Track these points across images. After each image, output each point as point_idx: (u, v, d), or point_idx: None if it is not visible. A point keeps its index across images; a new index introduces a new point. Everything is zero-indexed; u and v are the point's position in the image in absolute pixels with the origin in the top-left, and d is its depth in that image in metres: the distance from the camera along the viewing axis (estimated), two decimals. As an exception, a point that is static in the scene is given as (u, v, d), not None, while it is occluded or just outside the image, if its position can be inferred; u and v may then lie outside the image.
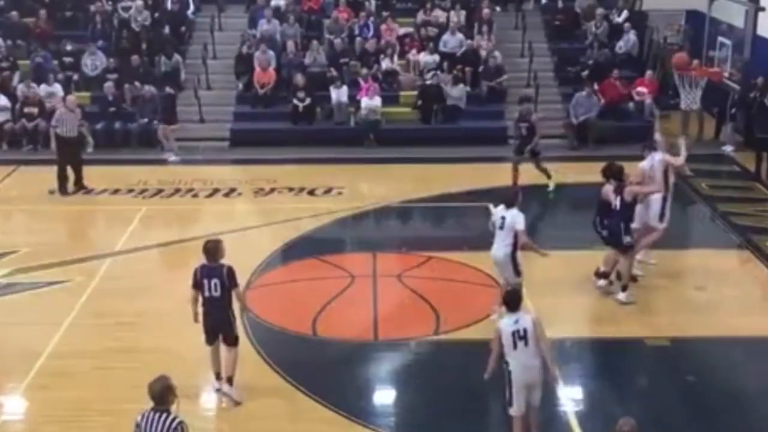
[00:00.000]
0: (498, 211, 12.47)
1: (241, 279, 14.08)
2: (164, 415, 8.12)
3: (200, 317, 10.90)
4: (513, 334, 9.51)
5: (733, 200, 17.81)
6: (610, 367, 12.33)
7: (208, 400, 11.39)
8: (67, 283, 14.36)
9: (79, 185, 18.70)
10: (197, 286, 10.72)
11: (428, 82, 22.22)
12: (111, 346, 12.30)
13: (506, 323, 9.64)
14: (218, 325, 10.82)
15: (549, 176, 18.13)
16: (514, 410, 9.71)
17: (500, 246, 12.36)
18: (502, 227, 12.29)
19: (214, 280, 10.59)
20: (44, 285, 14.32)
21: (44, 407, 11.03)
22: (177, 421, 8.09)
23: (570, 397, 11.21)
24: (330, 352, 12.31)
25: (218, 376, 11.13)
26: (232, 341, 10.94)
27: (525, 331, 9.52)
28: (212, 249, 10.76)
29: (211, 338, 10.95)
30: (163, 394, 8.15)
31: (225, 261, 10.80)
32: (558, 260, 13.55)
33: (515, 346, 9.52)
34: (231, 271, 10.67)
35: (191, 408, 11.06)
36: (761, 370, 11.77)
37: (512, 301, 9.74)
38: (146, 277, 14.71)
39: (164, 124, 20.89)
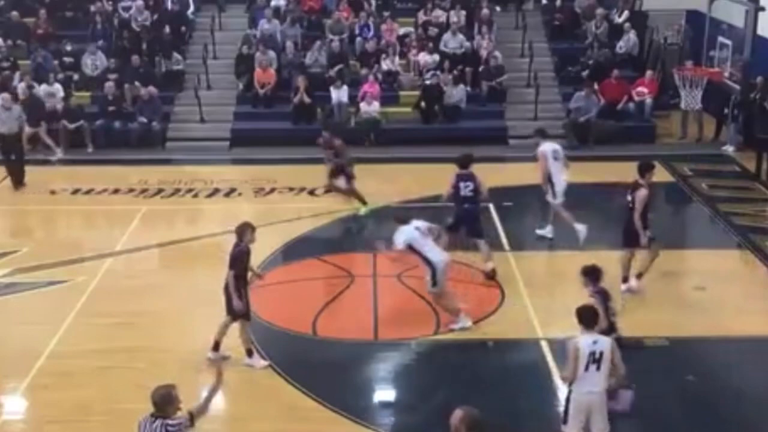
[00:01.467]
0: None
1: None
2: (158, 422, 8.07)
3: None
4: (590, 355, 8.97)
5: (733, 200, 17.81)
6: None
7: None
8: (67, 283, 14.37)
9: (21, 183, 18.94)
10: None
11: (428, 83, 22.21)
12: (111, 346, 12.31)
13: (585, 343, 9.03)
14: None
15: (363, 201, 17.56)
16: (569, 429, 9.30)
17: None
18: None
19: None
20: (44, 285, 14.33)
21: (45, 407, 11.04)
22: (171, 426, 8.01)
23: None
24: (330, 352, 12.31)
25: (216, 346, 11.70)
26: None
27: (601, 354, 8.98)
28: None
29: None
30: (163, 402, 8.10)
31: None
32: (559, 259, 13.57)
33: (587, 368, 8.98)
34: (236, 253, 11.63)
35: (191, 407, 11.09)
36: (761, 370, 11.77)
37: (586, 318, 9.12)
38: (147, 277, 14.72)
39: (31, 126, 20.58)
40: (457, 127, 21.88)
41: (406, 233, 12.36)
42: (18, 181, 18.86)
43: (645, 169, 13.28)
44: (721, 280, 14.25)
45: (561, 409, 10.76)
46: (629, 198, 13.14)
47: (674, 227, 14.17)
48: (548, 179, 15.12)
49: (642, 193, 12.98)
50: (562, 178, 15.15)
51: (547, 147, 15.36)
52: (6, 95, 19.61)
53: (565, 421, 9.31)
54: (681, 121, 22.01)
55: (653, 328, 12.73)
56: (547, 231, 15.57)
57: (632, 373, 11.86)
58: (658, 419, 10.66)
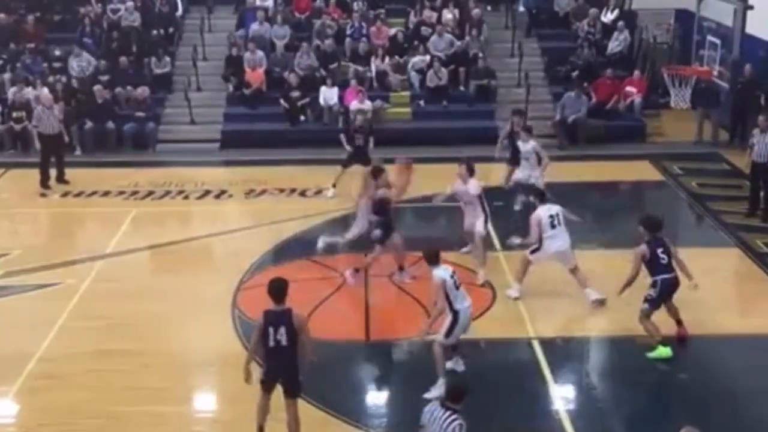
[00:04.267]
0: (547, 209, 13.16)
1: (233, 280, 14.20)
2: (446, 414, 8.13)
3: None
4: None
5: (724, 198, 17.84)
6: (603, 366, 12.37)
7: (200, 402, 11.40)
8: (58, 285, 14.34)
9: (62, 181, 19.04)
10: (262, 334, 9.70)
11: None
12: (102, 348, 12.28)
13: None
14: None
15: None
16: None
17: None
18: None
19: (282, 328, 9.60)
20: (35, 288, 14.30)
21: (36, 411, 11.00)
22: (457, 422, 8.08)
23: (563, 395, 11.24)
24: (321, 353, 12.25)
25: (260, 430, 10.15)
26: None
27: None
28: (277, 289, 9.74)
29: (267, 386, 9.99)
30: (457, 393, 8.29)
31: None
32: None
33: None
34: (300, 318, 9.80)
35: (184, 410, 11.10)
36: (754, 367, 11.80)
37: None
38: (137, 279, 14.69)
39: None
40: (447, 128, 21.88)
41: (441, 277, 10.97)
42: (58, 178, 19.10)
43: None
44: (713, 278, 14.26)
45: (553, 407, 10.83)
46: None
47: (665, 226, 14.17)
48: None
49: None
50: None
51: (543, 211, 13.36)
52: (47, 94, 19.69)
53: None
54: (698, 124, 21.79)
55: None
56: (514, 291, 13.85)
57: (625, 372, 11.98)
58: (651, 417, 10.68)
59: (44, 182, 18.80)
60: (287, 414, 9.94)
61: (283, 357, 9.63)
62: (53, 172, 19.00)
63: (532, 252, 13.35)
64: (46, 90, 20.76)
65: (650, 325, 11.98)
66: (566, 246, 13.29)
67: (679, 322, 12.30)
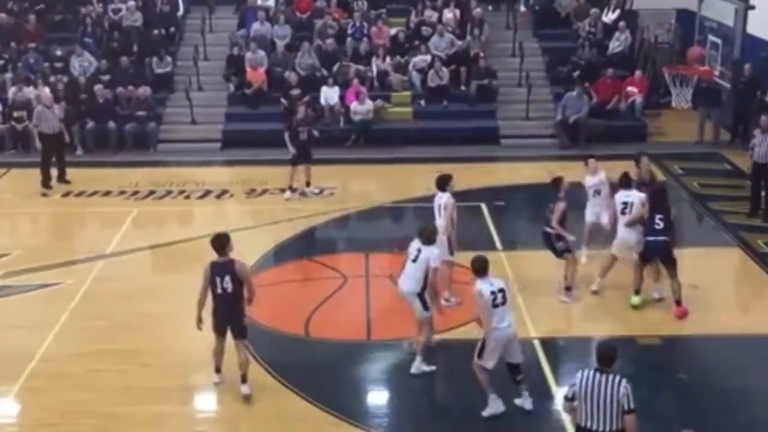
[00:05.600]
0: (413, 244, 11.75)
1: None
2: (610, 377, 8.42)
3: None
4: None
5: (725, 198, 17.83)
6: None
7: (200, 401, 11.39)
8: (58, 285, 14.34)
9: (63, 180, 19.08)
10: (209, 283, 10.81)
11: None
12: (103, 348, 12.28)
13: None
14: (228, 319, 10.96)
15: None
16: None
17: (410, 280, 11.61)
18: (415, 260, 11.56)
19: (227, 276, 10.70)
20: (35, 288, 14.30)
21: (36, 410, 11.01)
22: (624, 380, 8.44)
23: (562, 395, 11.21)
24: (323, 353, 12.30)
25: (218, 370, 11.30)
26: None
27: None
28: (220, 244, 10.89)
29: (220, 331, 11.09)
30: (611, 356, 8.51)
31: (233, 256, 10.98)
32: (552, 259, 13.57)
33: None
34: (242, 267, 10.90)
35: (184, 409, 11.10)
36: (753, 368, 11.78)
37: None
38: (138, 279, 14.68)
39: None
40: (448, 128, 21.87)
41: (478, 289, 10.44)
42: (59, 177, 19.14)
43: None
44: (713, 278, 14.28)
45: (553, 407, 10.82)
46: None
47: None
48: None
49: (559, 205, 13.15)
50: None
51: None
52: (47, 93, 19.73)
53: None
54: (699, 125, 21.73)
55: (645, 326, 12.76)
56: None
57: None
58: (650, 417, 10.65)
59: (45, 182, 18.82)
60: (237, 354, 10.98)
61: (229, 303, 10.73)
62: (54, 172, 19.01)
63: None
64: (47, 89, 20.74)
65: (637, 274, 13.08)
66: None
67: (677, 303, 12.87)
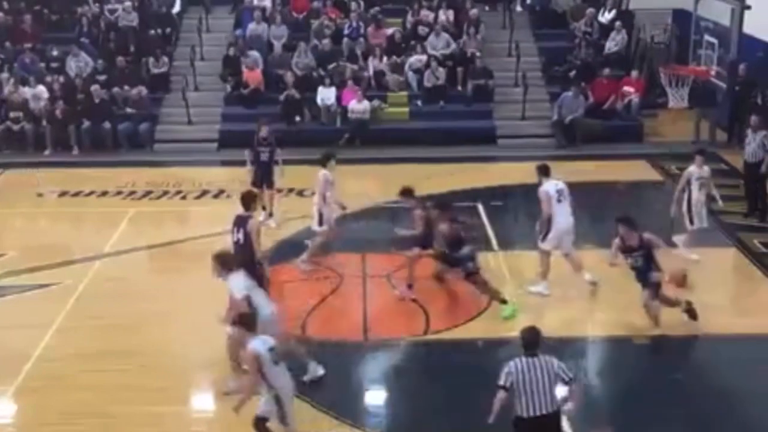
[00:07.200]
0: None
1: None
2: (542, 358, 8.81)
3: None
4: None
5: (721, 198, 17.82)
6: (602, 366, 12.37)
7: (199, 402, 11.40)
8: (56, 285, 14.34)
9: None
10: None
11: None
12: (101, 348, 12.29)
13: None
14: None
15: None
16: None
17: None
18: None
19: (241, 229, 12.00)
20: (33, 288, 14.30)
21: (34, 411, 11.02)
22: (555, 359, 8.82)
23: (562, 395, 11.21)
24: (319, 353, 12.29)
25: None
26: None
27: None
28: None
29: None
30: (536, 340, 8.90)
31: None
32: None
33: None
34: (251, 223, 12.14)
35: (183, 410, 11.10)
36: (749, 368, 11.80)
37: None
38: (135, 279, 14.70)
39: None
40: (445, 128, 21.88)
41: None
42: None
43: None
44: (709, 278, 14.30)
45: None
46: None
47: (662, 226, 14.21)
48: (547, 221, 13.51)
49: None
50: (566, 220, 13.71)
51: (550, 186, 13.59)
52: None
53: None
54: (695, 124, 21.77)
55: (641, 326, 12.76)
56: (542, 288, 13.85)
57: (620, 372, 12.00)
58: (646, 417, 10.68)
59: None
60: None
61: (239, 253, 11.77)
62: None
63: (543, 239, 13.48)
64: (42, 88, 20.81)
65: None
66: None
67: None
